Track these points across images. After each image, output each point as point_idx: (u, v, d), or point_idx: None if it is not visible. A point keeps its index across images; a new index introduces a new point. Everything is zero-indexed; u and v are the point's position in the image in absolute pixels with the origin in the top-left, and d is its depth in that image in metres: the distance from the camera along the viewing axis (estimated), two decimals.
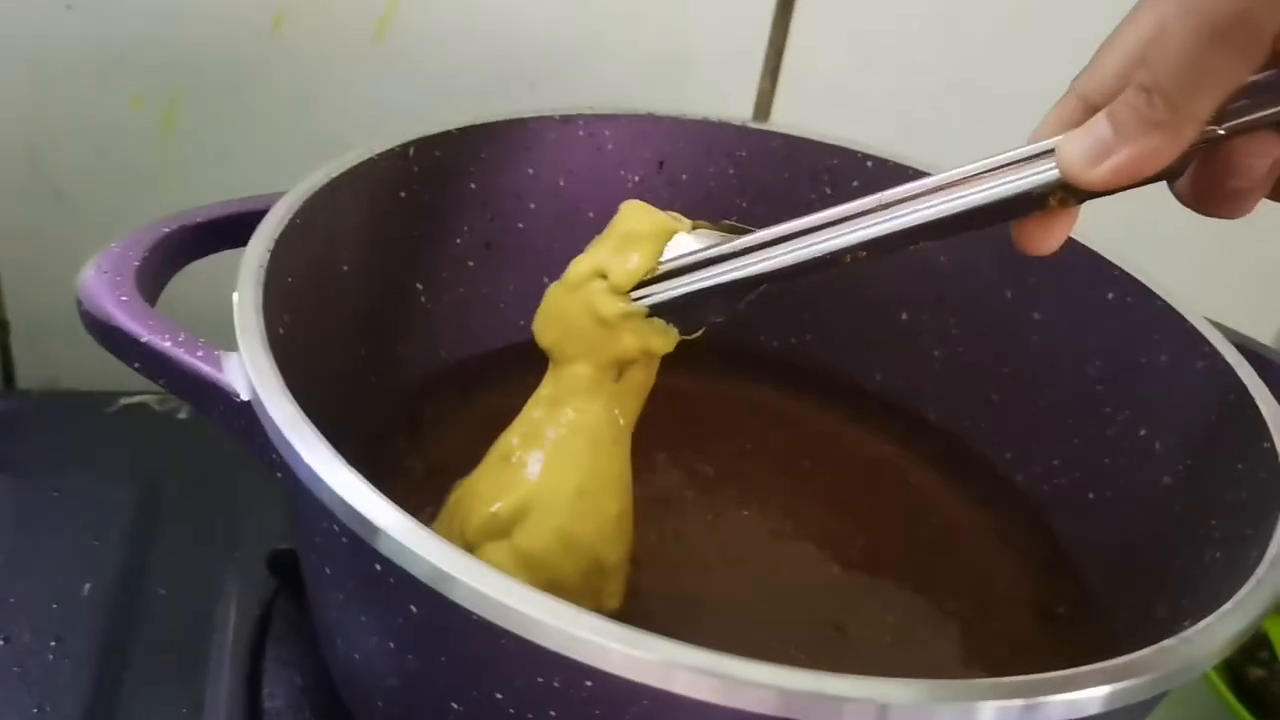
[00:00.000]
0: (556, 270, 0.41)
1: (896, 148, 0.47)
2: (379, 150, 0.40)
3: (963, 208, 0.31)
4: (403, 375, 0.43)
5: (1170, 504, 0.38)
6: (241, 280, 0.32)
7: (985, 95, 0.60)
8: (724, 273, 0.33)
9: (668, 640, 0.24)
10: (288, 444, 0.28)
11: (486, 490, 0.35)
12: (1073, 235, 0.42)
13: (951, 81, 0.60)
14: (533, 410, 0.36)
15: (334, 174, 0.37)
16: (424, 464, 0.42)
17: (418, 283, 0.43)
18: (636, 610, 0.37)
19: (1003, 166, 0.30)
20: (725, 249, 0.34)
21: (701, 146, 0.48)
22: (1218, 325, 0.39)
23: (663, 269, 0.34)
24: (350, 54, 0.53)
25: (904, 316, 0.48)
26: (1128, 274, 0.41)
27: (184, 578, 0.44)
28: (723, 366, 0.49)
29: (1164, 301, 0.40)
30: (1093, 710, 0.25)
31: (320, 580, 0.32)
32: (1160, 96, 0.26)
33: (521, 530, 0.34)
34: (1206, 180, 0.29)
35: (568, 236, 0.47)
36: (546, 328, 0.36)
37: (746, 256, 0.33)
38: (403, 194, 0.41)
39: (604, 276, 0.34)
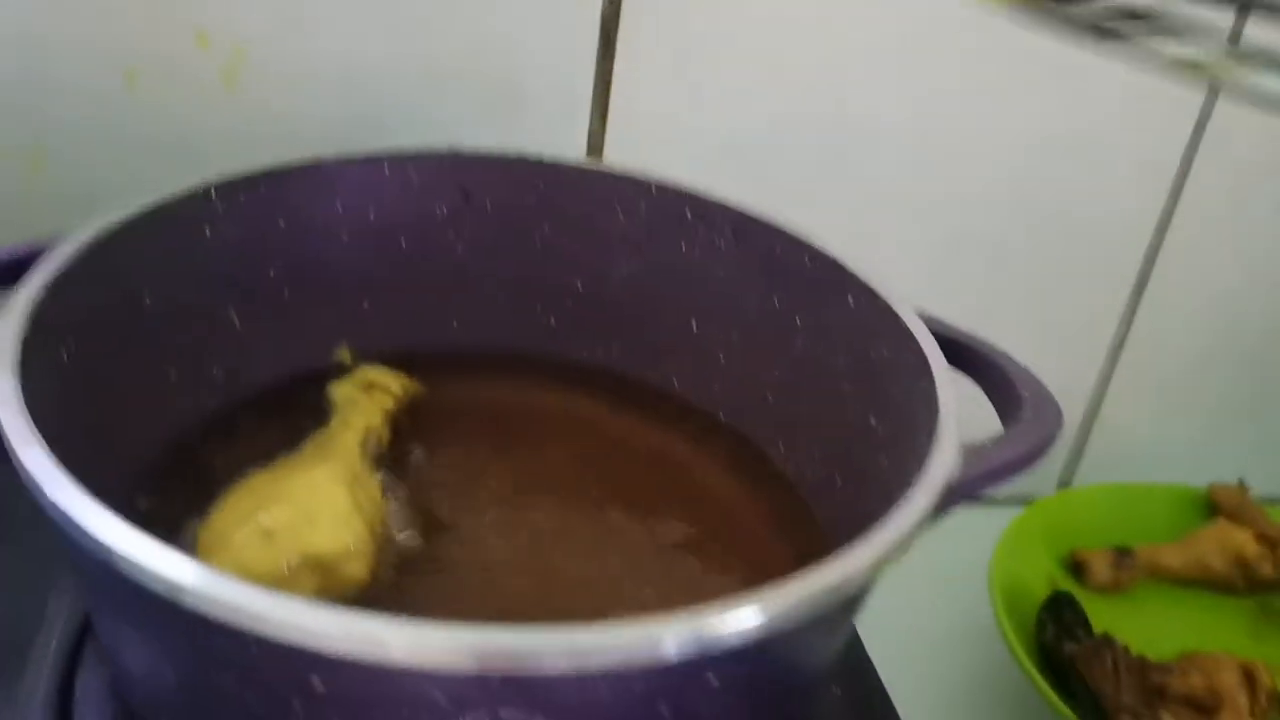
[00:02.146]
0: (375, 292, 0.51)
1: (719, 181, 0.51)
2: (177, 194, 0.44)
3: None
4: (219, 396, 0.48)
5: (889, 487, 0.42)
6: (9, 310, 0.37)
7: (816, 128, 0.65)
8: None
9: (368, 615, 0.28)
10: (20, 463, 0.32)
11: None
12: (817, 245, 0.47)
13: (779, 115, 0.64)
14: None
15: (127, 214, 0.42)
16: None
17: (231, 310, 0.48)
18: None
19: None
20: None
21: (507, 179, 0.52)
22: (932, 320, 0.44)
23: None
24: (204, 102, 0.58)
25: (695, 327, 0.52)
26: (860, 279, 0.46)
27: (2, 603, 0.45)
28: (535, 379, 0.54)
29: (885, 302, 0.44)
30: (753, 627, 0.30)
31: (88, 601, 0.36)
32: None
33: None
34: None
35: (385, 260, 0.52)
36: None
37: None
38: (208, 231, 0.46)
39: None
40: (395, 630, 0.28)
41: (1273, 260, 0.77)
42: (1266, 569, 0.69)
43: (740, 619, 0.30)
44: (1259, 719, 0.58)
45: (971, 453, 0.38)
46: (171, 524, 0.41)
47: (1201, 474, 0.76)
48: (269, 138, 0.59)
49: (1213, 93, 0.70)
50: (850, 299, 0.46)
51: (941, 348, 0.43)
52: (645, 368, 0.54)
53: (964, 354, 0.44)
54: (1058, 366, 0.77)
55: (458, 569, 0.44)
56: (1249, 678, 0.58)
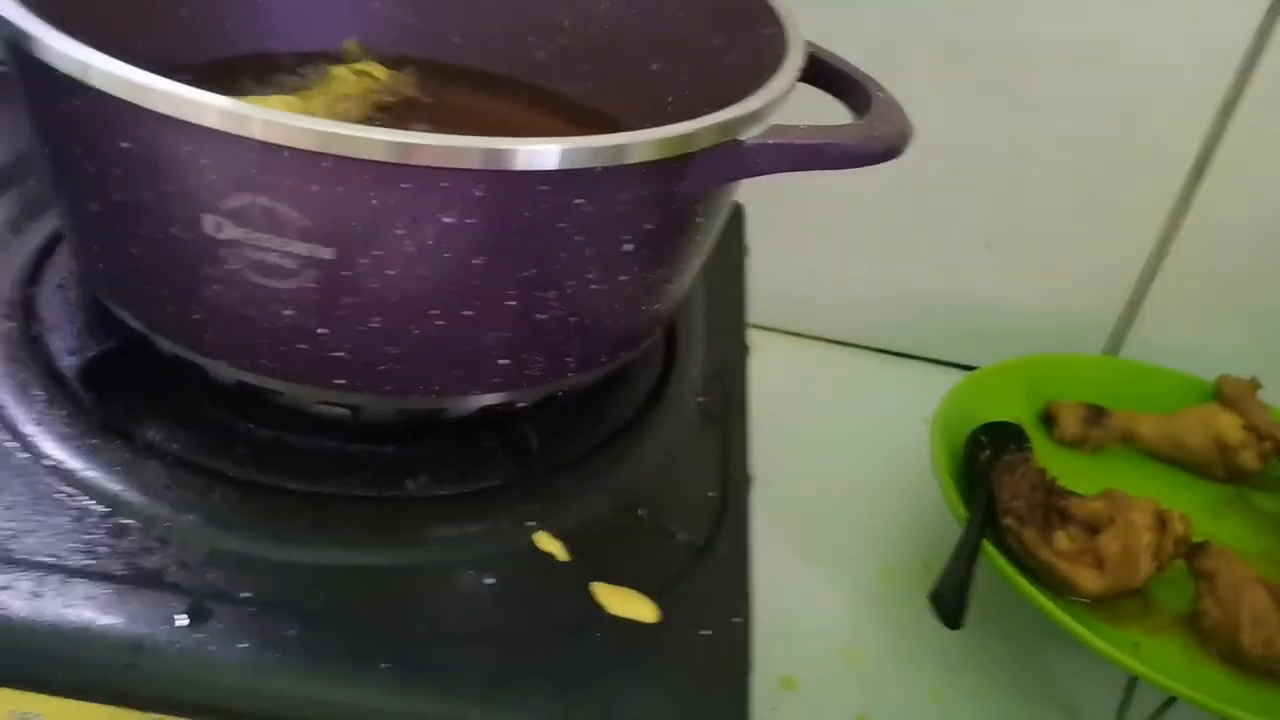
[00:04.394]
0: None
1: None
2: None
3: None
4: (225, 49, 0.55)
5: None
6: None
7: None
8: None
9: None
10: None
11: None
12: None
13: None
14: None
15: None
16: None
17: None
18: None
19: None
20: None
21: None
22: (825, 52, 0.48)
23: None
24: None
25: (654, 67, 0.56)
26: (777, 15, 0.49)
27: None
28: (515, 101, 0.60)
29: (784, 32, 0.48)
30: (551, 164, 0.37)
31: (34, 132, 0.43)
32: None
33: None
34: None
35: None
36: None
37: None
38: None
39: None
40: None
41: None
42: (1249, 459, 0.67)
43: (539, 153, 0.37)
44: (1162, 560, 0.58)
45: (798, 128, 0.42)
46: None
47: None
48: None
49: None
50: (767, 31, 0.49)
51: (825, 73, 0.47)
52: (609, 101, 0.58)
53: (846, 82, 0.47)
54: (1103, 247, 0.77)
55: None
56: (1161, 522, 0.58)
